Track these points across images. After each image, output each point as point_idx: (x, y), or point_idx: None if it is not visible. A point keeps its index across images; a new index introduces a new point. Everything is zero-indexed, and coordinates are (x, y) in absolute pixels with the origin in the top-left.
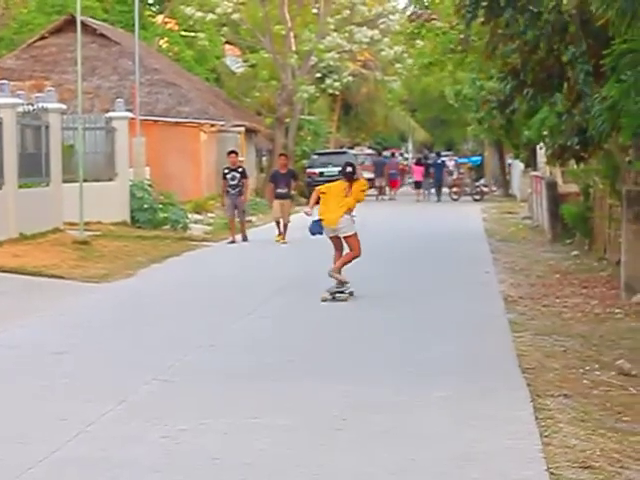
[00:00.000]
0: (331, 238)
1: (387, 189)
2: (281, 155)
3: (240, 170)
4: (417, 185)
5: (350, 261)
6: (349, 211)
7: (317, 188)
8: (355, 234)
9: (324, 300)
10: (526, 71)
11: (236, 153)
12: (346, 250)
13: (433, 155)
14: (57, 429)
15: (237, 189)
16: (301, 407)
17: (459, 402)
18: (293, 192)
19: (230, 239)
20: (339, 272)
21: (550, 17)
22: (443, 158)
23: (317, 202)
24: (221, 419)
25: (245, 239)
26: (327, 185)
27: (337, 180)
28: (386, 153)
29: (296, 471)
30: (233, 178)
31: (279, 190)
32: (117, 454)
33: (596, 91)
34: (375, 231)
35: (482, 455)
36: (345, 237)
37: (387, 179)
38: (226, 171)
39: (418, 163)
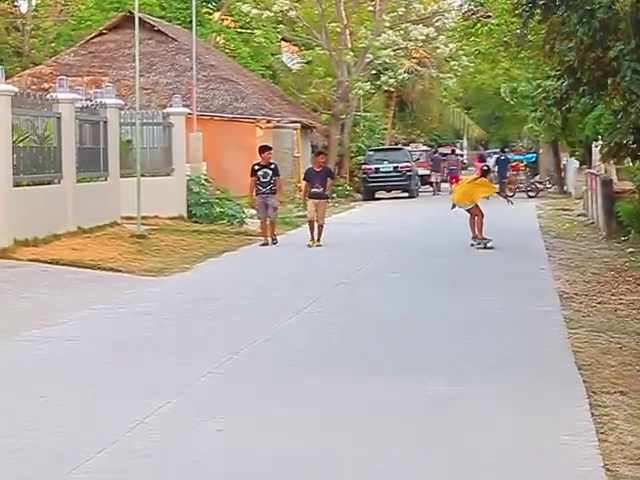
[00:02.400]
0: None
1: (443, 185)
2: (320, 154)
3: (272, 167)
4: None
5: (482, 223)
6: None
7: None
8: (476, 206)
9: (476, 245)
10: (582, 69)
11: (270, 149)
12: None
13: (487, 152)
14: (115, 421)
15: (269, 187)
16: (358, 402)
17: (514, 398)
18: (328, 192)
19: (263, 241)
20: (480, 233)
21: (602, 14)
22: (507, 155)
23: None
24: (275, 413)
25: (275, 241)
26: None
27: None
28: (444, 150)
29: (354, 466)
30: (265, 175)
31: (313, 189)
32: (174, 446)
33: None
34: (432, 227)
35: (538, 451)
36: (469, 210)
37: (447, 175)
38: (257, 167)
39: (480, 159)
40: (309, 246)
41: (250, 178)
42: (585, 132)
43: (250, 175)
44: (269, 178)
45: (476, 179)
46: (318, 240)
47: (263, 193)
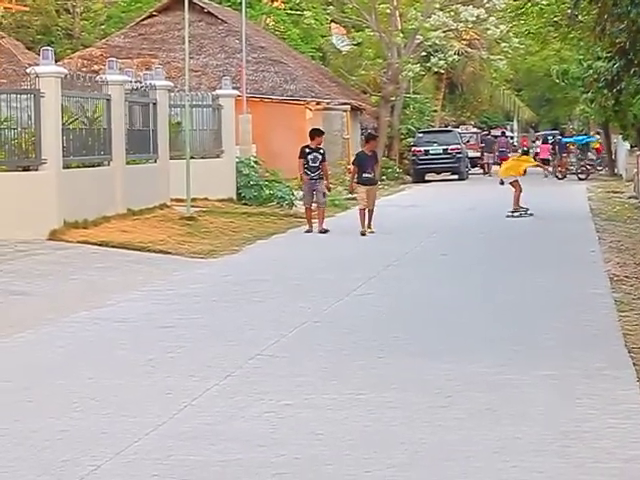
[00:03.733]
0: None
1: (493, 167)
2: (373, 138)
3: (322, 152)
4: (543, 162)
5: (519, 196)
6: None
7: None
8: (516, 180)
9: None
10: (634, 51)
11: (322, 134)
12: None
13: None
14: (163, 403)
15: (317, 172)
16: (405, 384)
17: (564, 381)
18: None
19: (307, 228)
20: (517, 204)
21: None
22: (567, 138)
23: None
24: (325, 395)
25: (324, 231)
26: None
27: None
28: (495, 132)
29: (399, 448)
30: (315, 160)
31: (365, 175)
32: (222, 428)
33: None
34: (481, 209)
35: (587, 434)
36: (510, 183)
37: (497, 156)
38: (307, 150)
39: (545, 142)
40: (363, 234)
41: (298, 160)
42: (634, 111)
43: (299, 157)
44: (318, 163)
45: (520, 157)
46: (369, 226)
47: (312, 178)
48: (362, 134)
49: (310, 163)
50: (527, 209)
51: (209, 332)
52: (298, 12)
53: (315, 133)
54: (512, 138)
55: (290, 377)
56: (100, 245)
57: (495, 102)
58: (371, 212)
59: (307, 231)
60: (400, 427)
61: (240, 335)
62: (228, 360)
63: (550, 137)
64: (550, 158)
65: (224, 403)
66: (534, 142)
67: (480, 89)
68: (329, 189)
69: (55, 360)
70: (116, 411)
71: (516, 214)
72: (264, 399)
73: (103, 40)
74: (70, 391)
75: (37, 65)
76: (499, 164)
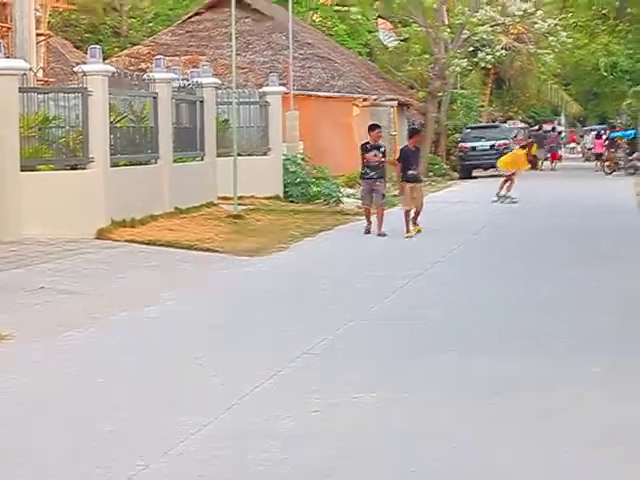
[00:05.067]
0: None
1: (547, 162)
2: (416, 132)
3: (382, 150)
4: (597, 157)
5: (511, 187)
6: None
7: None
8: (513, 174)
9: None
10: None
11: (379, 127)
12: None
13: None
14: (210, 401)
15: (377, 171)
16: (453, 382)
17: (614, 378)
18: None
19: (366, 228)
20: (508, 191)
21: None
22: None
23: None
24: (372, 393)
25: (383, 234)
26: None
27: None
28: (546, 127)
29: (447, 447)
30: (375, 159)
31: (410, 172)
32: (269, 427)
33: None
34: (529, 205)
35: (638, 432)
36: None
37: (547, 152)
38: (368, 146)
39: (598, 136)
40: (409, 237)
41: (363, 155)
42: None
43: (361, 154)
44: (378, 162)
45: (518, 152)
46: (414, 223)
47: (370, 178)
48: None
49: (370, 162)
50: (511, 197)
51: (256, 330)
52: (345, 8)
53: (372, 127)
54: (561, 133)
55: (336, 376)
56: (147, 244)
57: (542, 97)
58: (418, 212)
59: (366, 231)
60: (448, 426)
61: (287, 333)
62: (275, 359)
63: (602, 132)
64: (604, 153)
65: (271, 402)
66: (582, 137)
67: (527, 84)
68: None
69: (102, 359)
70: (163, 410)
71: (500, 200)
72: (311, 398)
73: (150, 38)
74: (117, 390)
75: (85, 63)
76: (550, 159)
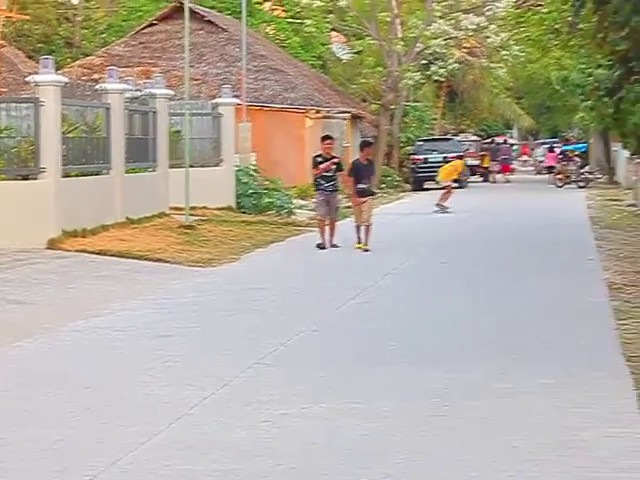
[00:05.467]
0: None
1: (497, 175)
2: (367, 145)
3: (336, 161)
4: (550, 170)
5: (448, 197)
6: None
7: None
8: (448, 186)
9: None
10: (635, 59)
11: (332, 139)
12: None
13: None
14: (160, 412)
15: (331, 183)
16: (402, 393)
17: (561, 389)
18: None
19: (320, 242)
20: (444, 202)
21: None
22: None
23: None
24: (322, 404)
25: (335, 245)
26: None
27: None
28: (498, 140)
29: (396, 457)
30: (328, 170)
31: (360, 185)
32: (219, 438)
33: None
34: (480, 217)
35: (584, 443)
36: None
37: (500, 164)
38: (319, 159)
39: (551, 150)
40: (359, 249)
41: (313, 170)
42: (634, 120)
43: (312, 167)
44: (332, 173)
45: (454, 163)
46: (365, 242)
47: (325, 190)
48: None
49: (323, 173)
50: (448, 207)
51: (207, 341)
52: (298, 20)
53: (325, 139)
54: (513, 145)
55: (287, 386)
56: (98, 254)
57: (495, 110)
58: (368, 228)
59: (320, 246)
60: (396, 436)
61: (238, 344)
62: (225, 369)
63: (555, 145)
64: (556, 166)
65: (221, 412)
66: (533, 150)
67: (480, 97)
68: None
69: (52, 369)
70: (112, 420)
71: (440, 210)
72: (261, 408)
73: (103, 49)
74: (67, 400)
75: (37, 74)
76: (502, 172)
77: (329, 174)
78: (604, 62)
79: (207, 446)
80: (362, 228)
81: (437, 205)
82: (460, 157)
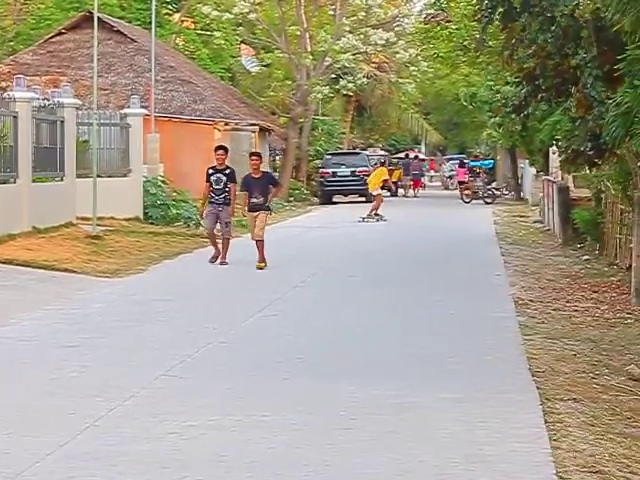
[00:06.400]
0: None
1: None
2: (251, 155)
3: (227, 172)
4: (460, 184)
5: (379, 206)
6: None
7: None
8: (379, 194)
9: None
10: (543, 76)
11: (225, 150)
12: None
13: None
14: (66, 423)
15: (222, 195)
16: (309, 406)
17: (468, 404)
18: (270, 202)
19: (213, 255)
20: (376, 211)
21: (564, 22)
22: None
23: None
24: (230, 416)
25: (224, 263)
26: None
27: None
28: (411, 154)
29: (303, 470)
30: (218, 181)
31: (252, 199)
32: (125, 449)
33: (610, 97)
34: (388, 231)
35: (491, 458)
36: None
37: (410, 179)
38: (210, 171)
39: (462, 165)
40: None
41: (205, 183)
42: (541, 137)
43: (205, 180)
44: (222, 185)
45: (377, 171)
46: (261, 260)
47: (215, 202)
48: (270, 154)
49: (214, 185)
50: (382, 216)
51: (114, 352)
52: (208, 32)
53: (217, 149)
54: (424, 160)
55: (194, 398)
56: (4, 263)
57: (403, 125)
58: (261, 244)
59: (212, 259)
60: (304, 449)
61: (145, 355)
62: (132, 380)
63: (465, 161)
64: (466, 181)
65: (127, 424)
66: (441, 165)
67: (388, 112)
68: (231, 213)
69: None
70: (18, 431)
71: (371, 220)
72: (168, 420)
73: (11, 57)
74: None
75: None
76: (412, 187)
77: (219, 186)
78: (512, 79)
79: (113, 457)
80: (255, 244)
81: (372, 215)
82: (382, 164)
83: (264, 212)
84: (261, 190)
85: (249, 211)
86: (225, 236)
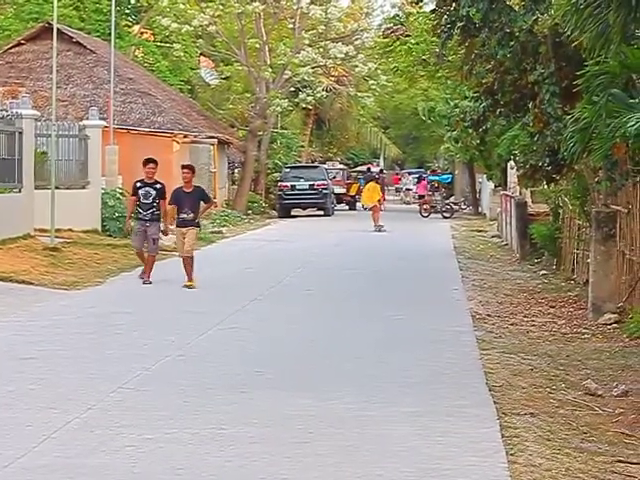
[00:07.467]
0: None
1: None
2: (183, 167)
3: (158, 187)
4: (420, 198)
5: (378, 217)
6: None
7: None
8: (374, 206)
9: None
10: (501, 91)
11: (155, 162)
12: None
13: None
14: (22, 435)
15: (150, 211)
16: (267, 419)
17: (425, 418)
18: (200, 218)
19: (144, 277)
20: (377, 222)
21: (522, 37)
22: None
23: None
24: (187, 429)
25: (147, 281)
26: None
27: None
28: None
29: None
30: (147, 195)
31: (182, 215)
32: (82, 462)
33: (567, 112)
34: (346, 245)
35: (448, 472)
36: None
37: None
38: (139, 184)
39: (420, 179)
40: (188, 287)
41: (131, 197)
42: (499, 151)
43: (132, 194)
44: (151, 200)
45: (373, 186)
46: (189, 279)
47: (142, 219)
48: (229, 167)
49: (142, 200)
50: (382, 226)
51: (71, 364)
52: (167, 44)
53: (146, 162)
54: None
55: (152, 411)
56: None
57: (362, 139)
58: (190, 260)
59: (144, 281)
60: (261, 462)
61: (102, 368)
62: (89, 393)
63: (425, 175)
64: (426, 195)
65: (84, 436)
66: (400, 180)
67: (347, 126)
68: (166, 233)
69: None
70: None
71: (382, 230)
72: (125, 433)
73: None
74: None
75: None
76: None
77: (147, 201)
78: (470, 94)
79: (70, 470)
80: (184, 260)
81: (379, 225)
82: (374, 180)
83: (194, 229)
84: (191, 205)
85: (177, 227)
86: (151, 253)
